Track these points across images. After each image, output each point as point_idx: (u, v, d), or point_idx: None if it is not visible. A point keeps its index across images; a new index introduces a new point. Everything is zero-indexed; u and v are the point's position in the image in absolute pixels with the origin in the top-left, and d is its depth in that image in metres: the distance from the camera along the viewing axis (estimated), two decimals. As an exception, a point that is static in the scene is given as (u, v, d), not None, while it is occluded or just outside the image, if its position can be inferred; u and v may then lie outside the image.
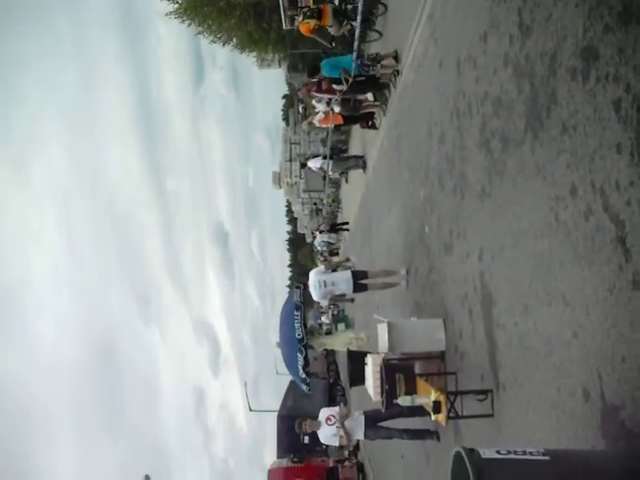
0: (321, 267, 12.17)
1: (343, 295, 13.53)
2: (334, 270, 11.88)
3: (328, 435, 10.28)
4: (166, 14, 26.31)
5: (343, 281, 11.54)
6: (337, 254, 34.83)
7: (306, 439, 35.40)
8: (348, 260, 14.99)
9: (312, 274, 11.73)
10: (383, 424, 10.02)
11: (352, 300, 16.68)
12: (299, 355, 10.64)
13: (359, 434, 10.24)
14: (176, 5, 25.83)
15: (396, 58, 13.18)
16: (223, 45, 27.45)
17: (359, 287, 11.77)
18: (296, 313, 10.62)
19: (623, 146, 3.70)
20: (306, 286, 11.85)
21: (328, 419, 10.29)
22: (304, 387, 11.82)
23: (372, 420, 9.96)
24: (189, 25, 26.29)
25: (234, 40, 26.80)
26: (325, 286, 11.45)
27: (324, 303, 12.56)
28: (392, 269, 12.71)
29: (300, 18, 14.28)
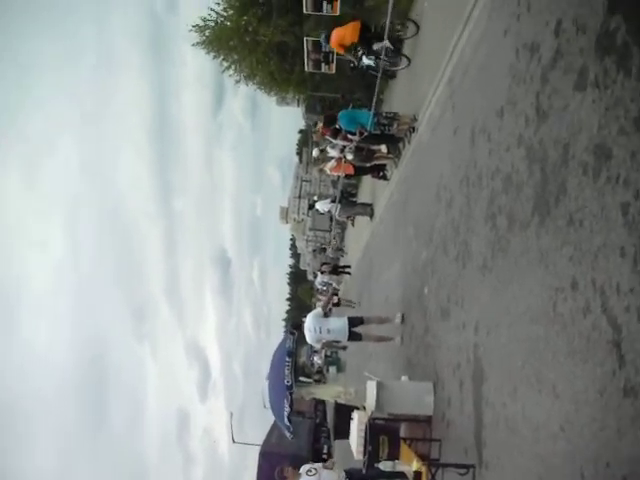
0: (319, 310, 12.12)
1: (337, 342, 13.49)
2: (330, 311, 11.91)
3: None
4: (192, 44, 26.62)
5: (338, 329, 11.49)
6: (337, 294, 34.77)
7: None
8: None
9: (309, 317, 11.68)
10: None
11: (344, 347, 16.65)
12: (285, 402, 10.54)
13: None
14: (203, 37, 26.12)
15: (414, 119, 13.25)
16: (246, 84, 27.72)
17: (354, 336, 11.71)
18: (287, 359, 10.54)
19: (627, 251, 3.69)
20: (300, 329, 11.81)
21: (309, 471, 9.98)
22: (287, 434, 11.69)
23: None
24: (214, 58, 26.60)
25: (256, 79, 27.07)
26: (320, 332, 11.40)
27: (317, 346, 12.47)
28: (388, 316, 12.68)
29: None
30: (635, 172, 3.70)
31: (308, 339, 11.63)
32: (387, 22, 13.16)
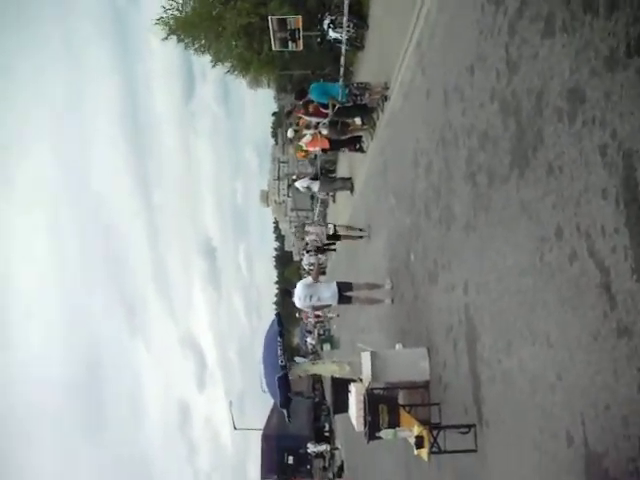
0: (309, 279, 12.12)
1: (328, 305, 13.56)
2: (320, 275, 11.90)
3: None
4: (162, 39, 26.54)
5: (328, 294, 11.53)
6: (324, 273, 34.79)
7: (290, 459, 35.26)
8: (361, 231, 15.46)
9: (299, 286, 11.72)
10: None
11: (337, 315, 16.78)
12: (280, 382, 10.52)
13: None
14: (168, 29, 26.04)
15: (386, 88, 13.20)
16: (214, 66, 27.63)
17: (344, 299, 11.77)
18: (279, 340, 10.53)
19: (609, 192, 3.66)
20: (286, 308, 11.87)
21: None
22: (285, 413, 11.71)
23: None
24: (184, 46, 26.58)
25: (227, 62, 27.01)
26: (310, 300, 11.48)
27: (308, 310, 12.60)
28: (377, 282, 12.71)
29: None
30: (610, 112, 3.66)
31: (298, 305, 11.70)
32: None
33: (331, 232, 19.83)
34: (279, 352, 10.46)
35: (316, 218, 41.73)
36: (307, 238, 18.87)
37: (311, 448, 33.74)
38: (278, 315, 11.41)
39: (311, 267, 32.94)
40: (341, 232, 20.02)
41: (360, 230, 17.42)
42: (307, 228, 20.85)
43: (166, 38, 26.60)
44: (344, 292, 11.60)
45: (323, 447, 35.10)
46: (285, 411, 11.47)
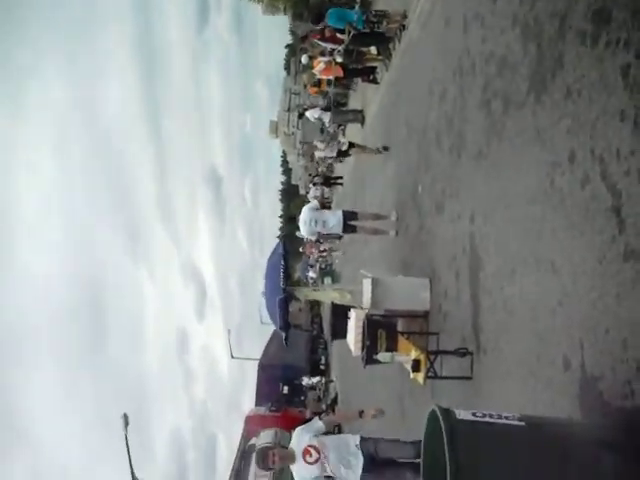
0: (314, 202, 12.09)
1: (334, 237, 13.56)
2: (325, 206, 11.79)
3: (306, 478, 6.64)
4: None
5: (334, 221, 11.49)
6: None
7: (285, 389, 35.72)
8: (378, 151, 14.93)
9: (304, 210, 11.67)
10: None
11: (340, 237, 16.48)
12: (281, 304, 10.60)
13: (351, 477, 6.48)
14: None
15: (404, 17, 12.96)
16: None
17: (348, 228, 11.74)
18: (282, 263, 10.58)
19: (627, 114, 3.60)
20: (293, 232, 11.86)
21: (307, 453, 6.59)
22: (283, 335, 11.83)
23: (372, 460, 6.58)
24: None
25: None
26: (315, 224, 11.42)
27: (312, 238, 12.43)
28: (383, 213, 12.68)
29: None
30: (636, 32, 3.58)
31: (303, 231, 11.64)
32: None
33: (344, 148, 18.39)
34: (281, 275, 10.51)
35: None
36: (317, 154, 17.77)
37: (305, 381, 34.19)
38: (283, 239, 11.42)
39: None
40: (356, 145, 18.20)
41: (377, 150, 15.96)
42: (315, 143, 19.32)
43: None
44: (349, 221, 11.55)
45: (317, 379, 35.58)
46: (283, 334, 11.57)
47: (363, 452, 6.49)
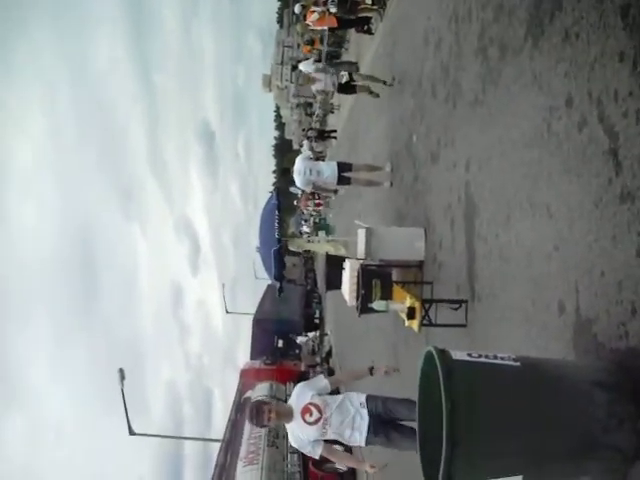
0: (308, 152, 12.00)
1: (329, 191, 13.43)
2: (319, 159, 11.67)
3: (304, 440, 6.15)
4: None
5: (328, 171, 11.42)
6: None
7: (280, 343, 36.00)
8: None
9: (298, 160, 11.59)
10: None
11: (335, 192, 16.19)
12: (275, 255, 10.62)
13: (357, 439, 6.12)
14: None
15: None
16: None
17: (343, 180, 11.67)
18: (276, 214, 10.57)
19: (626, 54, 3.56)
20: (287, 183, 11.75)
21: (307, 411, 6.07)
22: (276, 287, 11.88)
23: (379, 421, 6.20)
24: None
25: None
26: (310, 174, 11.36)
27: (307, 189, 12.24)
28: (377, 165, 12.61)
29: None
30: (636, -30, 3.53)
31: (297, 182, 11.56)
32: None
33: (344, 80, 16.04)
34: (276, 225, 10.50)
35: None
36: (313, 88, 17.14)
37: (299, 339, 34.41)
38: (277, 190, 11.36)
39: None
40: (359, 81, 16.32)
41: (385, 82, 14.11)
42: (314, 74, 18.09)
43: None
44: (343, 172, 11.49)
45: (311, 334, 35.79)
46: (278, 284, 11.61)
47: (370, 411, 6.09)
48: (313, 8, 16.26)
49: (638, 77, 3.43)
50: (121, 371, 22.27)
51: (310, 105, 44.99)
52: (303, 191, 20.29)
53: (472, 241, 6.52)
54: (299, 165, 11.31)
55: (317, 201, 34.74)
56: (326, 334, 33.31)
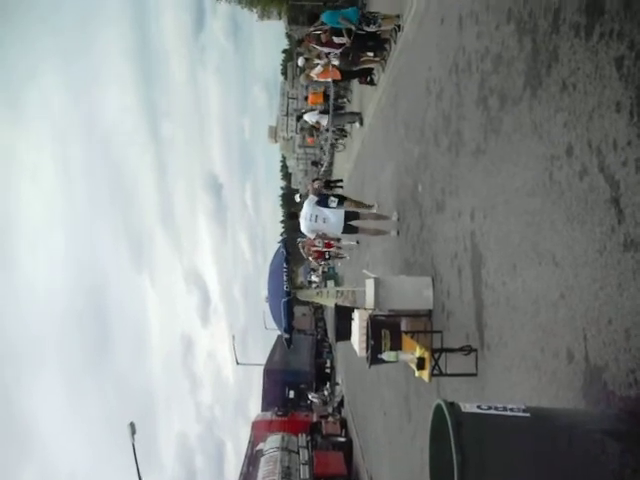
0: (315, 197, 12.03)
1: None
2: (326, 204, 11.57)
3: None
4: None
5: (334, 220, 11.39)
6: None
7: (291, 393, 35.73)
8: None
9: (306, 204, 11.57)
10: None
11: (338, 240, 15.93)
12: (285, 307, 10.62)
13: None
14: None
15: (398, 17, 13.01)
16: (227, 1, 27.37)
17: (349, 228, 11.65)
18: (285, 266, 10.59)
19: (623, 105, 3.62)
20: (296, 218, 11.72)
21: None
22: (285, 338, 11.86)
23: None
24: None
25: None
26: (315, 221, 11.34)
27: (311, 236, 12.21)
28: (384, 214, 12.62)
29: None
30: (629, 23, 3.60)
31: (302, 227, 11.56)
32: None
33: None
34: (284, 278, 10.52)
35: (324, 157, 41.27)
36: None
37: (312, 396, 34.15)
38: (284, 241, 11.39)
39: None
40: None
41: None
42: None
43: None
44: (350, 221, 11.49)
45: (321, 392, 35.47)
46: (287, 336, 11.59)
47: None
48: (316, 61, 16.52)
49: (635, 127, 3.49)
50: (132, 425, 22.09)
51: (317, 164, 45.27)
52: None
53: (480, 289, 6.52)
54: (305, 210, 11.30)
55: (326, 241, 34.12)
56: (337, 384, 33.06)
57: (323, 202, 11.55)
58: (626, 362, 3.59)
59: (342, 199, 12.42)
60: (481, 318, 6.48)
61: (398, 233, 11.82)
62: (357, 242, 20.21)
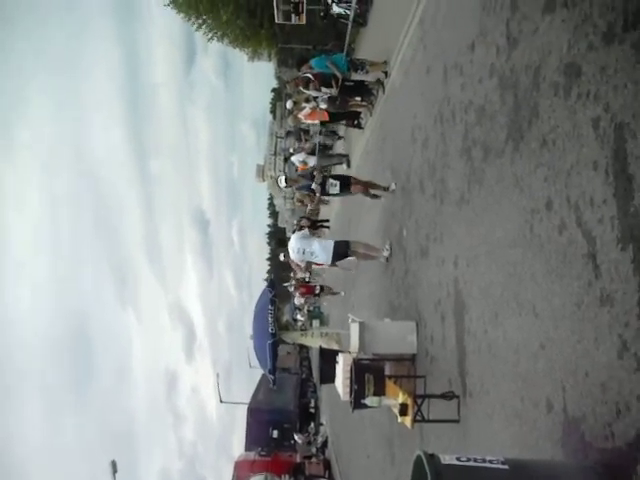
0: (305, 231, 11.95)
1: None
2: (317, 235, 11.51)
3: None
4: (164, 4, 26.62)
5: (323, 252, 11.27)
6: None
7: (275, 433, 35.39)
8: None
9: (294, 238, 11.48)
10: None
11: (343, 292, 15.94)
12: (269, 348, 10.62)
13: None
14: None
15: (385, 64, 13.23)
16: (218, 41, 27.72)
17: (338, 257, 11.49)
18: (270, 308, 10.61)
19: (599, 164, 3.75)
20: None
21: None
22: (270, 379, 11.84)
23: None
24: (184, 18, 26.65)
25: (228, 37, 27.11)
26: (303, 254, 11.29)
27: (301, 265, 11.94)
28: (375, 246, 12.51)
29: None
30: (605, 85, 3.74)
31: (292, 257, 11.46)
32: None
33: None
34: (270, 320, 10.53)
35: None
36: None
37: (296, 437, 33.87)
38: (271, 280, 11.38)
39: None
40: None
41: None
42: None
43: (168, 5, 26.69)
44: (340, 252, 11.32)
45: (308, 432, 35.18)
46: (272, 377, 11.57)
47: None
48: (304, 104, 16.69)
49: (611, 186, 3.61)
50: (113, 464, 21.84)
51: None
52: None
53: (462, 336, 6.60)
54: (293, 243, 11.22)
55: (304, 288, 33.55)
56: (322, 424, 32.82)
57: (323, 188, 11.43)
58: (603, 415, 3.67)
59: (346, 182, 12.25)
60: (463, 365, 6.54)
61: (387, 260, 11.56)
62: (344, 293, 20.26)
